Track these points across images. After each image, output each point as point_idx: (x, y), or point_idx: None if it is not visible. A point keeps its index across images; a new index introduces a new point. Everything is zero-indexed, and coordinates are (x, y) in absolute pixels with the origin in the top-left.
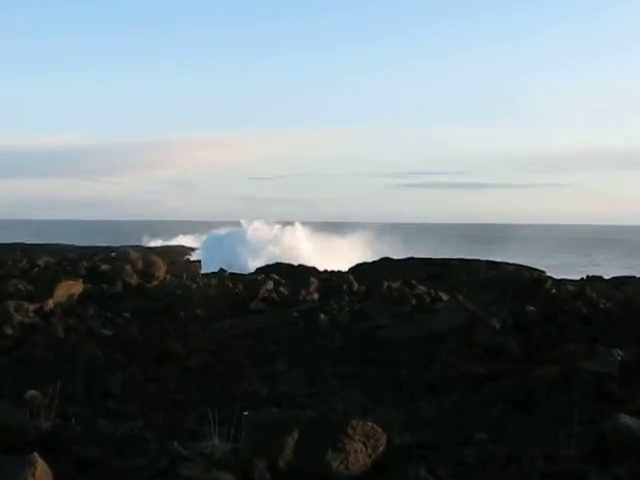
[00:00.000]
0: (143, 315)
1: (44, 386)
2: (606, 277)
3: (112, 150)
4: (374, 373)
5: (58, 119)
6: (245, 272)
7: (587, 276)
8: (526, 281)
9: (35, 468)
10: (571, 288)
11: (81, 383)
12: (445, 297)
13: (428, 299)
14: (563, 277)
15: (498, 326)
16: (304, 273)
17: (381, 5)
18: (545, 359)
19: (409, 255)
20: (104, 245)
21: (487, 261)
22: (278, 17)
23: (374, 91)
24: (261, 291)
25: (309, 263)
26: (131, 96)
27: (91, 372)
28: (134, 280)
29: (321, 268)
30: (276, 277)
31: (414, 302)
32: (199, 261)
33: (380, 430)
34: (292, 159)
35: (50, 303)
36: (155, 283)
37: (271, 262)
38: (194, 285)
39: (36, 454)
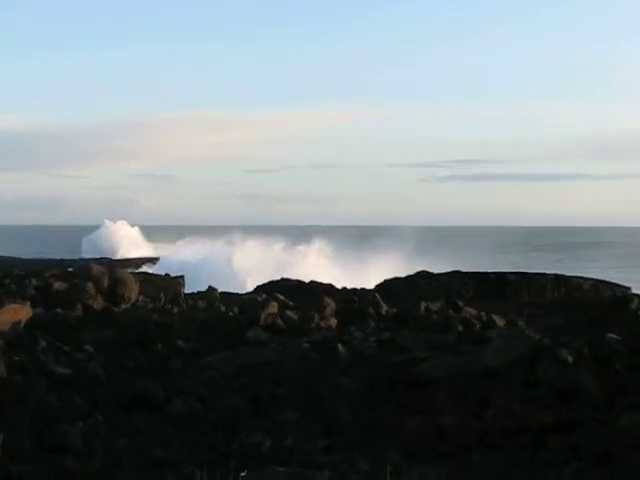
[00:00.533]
0: (110, 348)
1: None
2: None
3: (69, 135)
4: (409, 421)
5: None
6: (241, 291)
7: None
8: (606, 301)
9: None
10: None
11: (29, 436)
12: (500, 322)
13: (478, 325)
14: None
15: (570, 359)
16: (317, 292)
17: None
18: (631, 403)
19: (453, 268)
20: (58, 257)
21: (555, 275)
22: None
23: (412, 60)
24: (263, 315)
25: (324, 278)
26: (92, 68)
27: (42, 422)
28: (98, 303)
29: (339, 285)
30: (282, 297)
31: (460, 329)
32: (182, 277)
33: None
34: (305, 145)
35: None
36: (125, 306)
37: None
38: (176, 308)
39: None
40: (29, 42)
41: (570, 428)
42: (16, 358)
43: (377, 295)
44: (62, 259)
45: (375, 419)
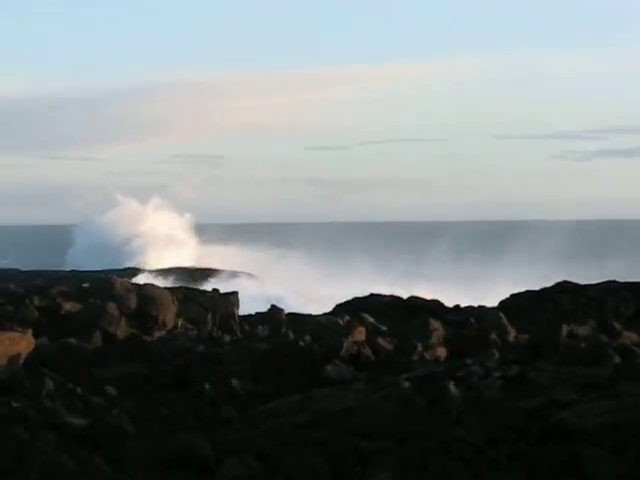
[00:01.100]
0: (139, 390)
1: None
2: None
3: (87, 103)
4: None
5: None
6: (316, 311)
7: None
8: None
9: None
10: None
11: None
12: None
13: None
14: None
15: None
16: (420, 311)
17: None
18: None
19: (607, 277)
20: (69, 269)
21: None
22: None
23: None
24: (345, 344)
25: (428, 292)
26: (112, 17)
27: None
28: (122, 330)
29: (450, 301)
30: (371, 319)
31: (617, 361)
32: (235, 294)
33: None
34: (390, 115)
35: None
36: (159, 334)
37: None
38: (228, 336)
39: None
40: None
41: None
42: (14, 405)
43: (502, 315)
44: (74, 270)
45: None
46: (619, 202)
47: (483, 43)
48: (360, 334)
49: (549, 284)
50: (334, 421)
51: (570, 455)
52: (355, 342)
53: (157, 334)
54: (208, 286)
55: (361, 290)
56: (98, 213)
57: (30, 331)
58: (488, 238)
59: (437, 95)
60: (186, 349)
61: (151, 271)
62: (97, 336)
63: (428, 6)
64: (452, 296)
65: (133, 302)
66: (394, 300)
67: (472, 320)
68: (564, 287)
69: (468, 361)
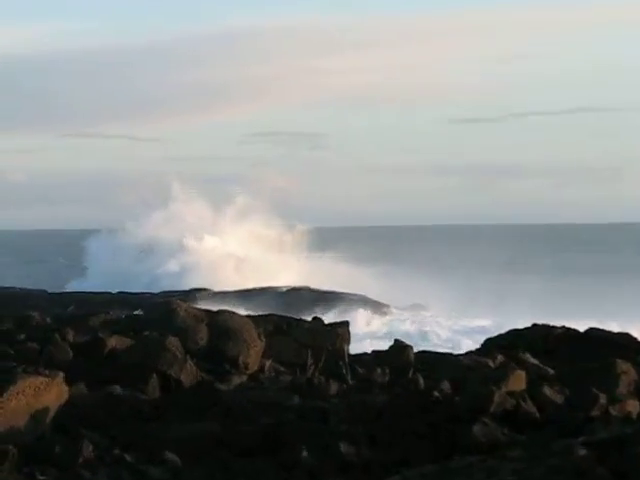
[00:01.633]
0: (211, 457)
1: None
2: None
3: (129, 61)
4: None
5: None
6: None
7: None
8: None
9: None
10: None
11: None
12: None
13: None
14: None
15: None
16: (602, 348)
17: None
18: None
19: None
20: (115, 291)
21: None
22: None
23: None
24: (497, 396)
25: (614, 324)
26: None
27: None
28: (188, 374)
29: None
30: (533, 360)
31: None
32: (346, 324)
33: None
34: (569, 77)
35: None
36: (239, 380)
37: None
38: (334, 384)
39: None
40: None
41: None
42: (40, 479)
43: None
44: (122, 292)
45: None
46: None
47: None
48: (518, 381)
49: None
50: None
51: None
52: (511, 393)
53: (236, 380)
54: (307, 314)
55: (525, 320)
56: (146, 213)
57: (62, 376)
58: None
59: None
60: (276, 402)
61: (226, 293)
62: (154, 383)
63: None
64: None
65: (203, 336)
66: (566, 333)
67: None
68: None
69: None
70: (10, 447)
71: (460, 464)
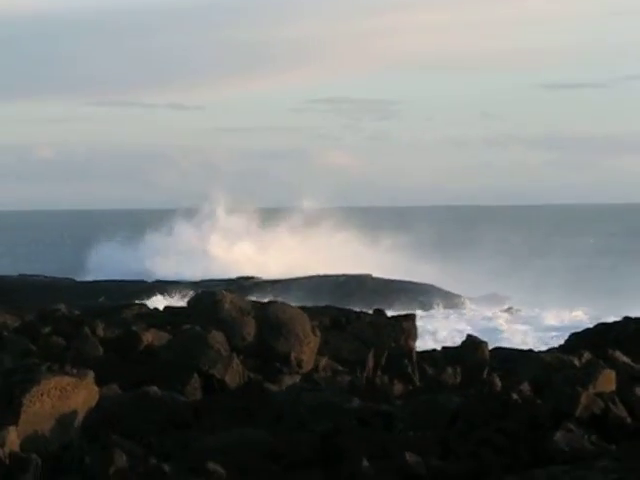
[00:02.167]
0: (259, 467)
1: None
2: None
3: (166, 18)
4: None
5: None
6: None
7: None
8: None
9: None
10: None
11: None
12: None
13: None
14: None
15: None
16: None
17: None
18: None
19: None
20: (152, 280)
21: None
22: None
23: None
24: (584, 398)
25: None
26: None
27: None
28: (239, 373)
29: None
30: (625, 359)
31: None
32: (412, 317)
33: None
34: None
35: (10, 439)
36: (292, 380)
37: None
38: (399, 384)
39: None
40: None
41: None
42: None
43: None
44: (159, 281)
45: None
46: None
47: None
48: (608, 382)
49: None
50: None
51: None
52: (600, 394)
53: (288, 381)
54: (368, 306)
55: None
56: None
57: (91, 375)
58: None
59: None
60: (334, 405)
61: (276, 282)
62: (195, 383)
63: None
64: None
65: (251, 331)
66: None
67: None
68: None
69: None
70: (34, 456)
71: (542, 476)
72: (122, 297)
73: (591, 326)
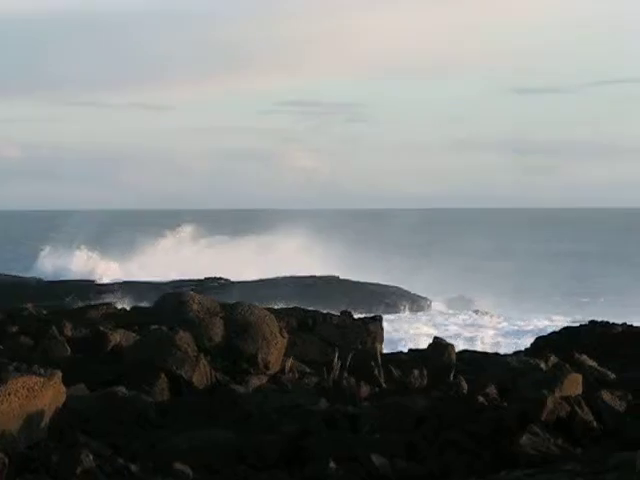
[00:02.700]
0: (225, 468)
1: None
2: None
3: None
4: None
5: None
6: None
7: None
8: None
9: None
10: None
11: None
12: None
13: None
14: None
15: None
16: None
17: None
18: None
19: None
20: (124, 280)
21: None
22: None
23: None
24: (550, 402)
25: None
26: None
27: None
28: (202, 374)
29: None
30: (591, 362)
31: None
32: (378, 319)
33: None
34: None
35: None
36: (258, 381)
37: None
38: (365, 386)
39: None
40: None
41: None
42: None
43: None
44: (127, 282)
45: None
46: None
47: None
48: (574, 386)
49: None
50: None
51: None
52: (566, 398)
53: (255, 382)
54: (335, 307)
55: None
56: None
57: (59, 375)
58: None
59: None
60: (301, 407)
61: (244, 283)
62: (162, 384)
63: None
64: None
65: (218, 332)
66: (627, 331)
67: None
68: None
69: None
70: (0, 455)
71: (507, 479)
72: (91, 297)
73: (557, 330)
